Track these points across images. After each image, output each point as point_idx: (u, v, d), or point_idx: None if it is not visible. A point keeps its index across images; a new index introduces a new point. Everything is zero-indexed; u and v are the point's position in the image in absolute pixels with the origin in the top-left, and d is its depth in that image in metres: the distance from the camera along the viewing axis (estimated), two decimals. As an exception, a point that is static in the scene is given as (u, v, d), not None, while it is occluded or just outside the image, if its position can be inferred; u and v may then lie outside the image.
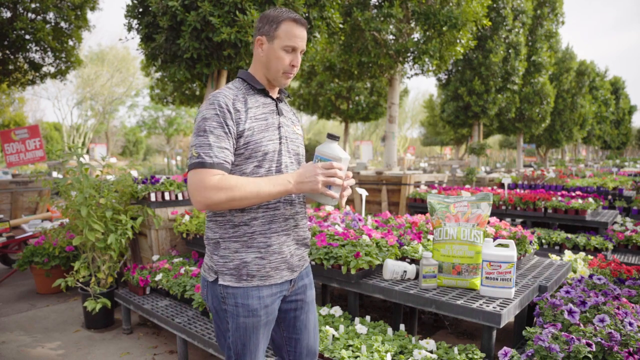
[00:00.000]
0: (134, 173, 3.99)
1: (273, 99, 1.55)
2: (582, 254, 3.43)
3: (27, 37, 7.14)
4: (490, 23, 8.18)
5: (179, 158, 29.35)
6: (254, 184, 1.35)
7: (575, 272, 3.12)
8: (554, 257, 3.25)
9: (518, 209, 5.17)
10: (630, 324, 1.85)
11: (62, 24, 7.58)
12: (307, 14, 4.93)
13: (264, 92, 1.52)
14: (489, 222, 3.16)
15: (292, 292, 1.59)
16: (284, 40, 1.44)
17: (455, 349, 2.04)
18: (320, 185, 1.35)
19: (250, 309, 1.44)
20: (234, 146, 1.41)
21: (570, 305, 2.01)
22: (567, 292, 2.21)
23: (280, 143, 1.50)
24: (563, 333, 1.80)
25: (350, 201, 7.29)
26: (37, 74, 8.02)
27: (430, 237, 2.96)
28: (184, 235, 3.67)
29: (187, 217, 3.67)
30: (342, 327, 2.29)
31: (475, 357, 1.97)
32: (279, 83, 1.52)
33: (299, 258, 1.58)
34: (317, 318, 1.72)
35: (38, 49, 7.53)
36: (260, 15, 1.51)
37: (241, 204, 1.36)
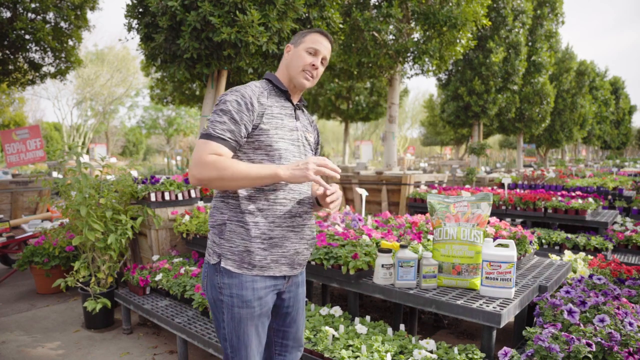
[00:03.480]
0: (134, 173, 3.99)
1: (293, 104, 1.67)
2: (582, 254, 3.43)
3: (27, 37, 7.14)
4: (490, 23, 8.17)
5: (179, 158, 29.33)
6: (245, 166, 1.43)
7: (575, 272, 3.12)
8: (554, 257, 3.25)
9: (518, 209, 5.17)
10: (630, 324, 1.85)
11: (62, 24, 7.58)
12: (307, 14, 4.92)
13: (286, 95, 1.65)
14: (489, 222, 3.16)
15: (287, 289, 1.67)
16: (308, 44, 1.62)
17: (455, 349, 2.04)
18: (311, 173, 1.40)
19: (245, 299, 1.51)
20: (246, 132, 1.50)
21: (570, 305, 2.01)
22: (567, 292, 2.21)
23: (294, 145, 1.61)
24: (563, 333, 1.80)
25: (350, 201, 7.29)
26: (37, 74, 8.02)
27: (430, 237, 2.96)
28: (184, 235, 3.67)
29: (187, 217, 3.67)
30: (342, 327, 2.29)
31: (475, 357, 1.97)
32: (298, 82, 1.62)
33: (304, 257, 1.66)
34: (304, 309, 1.83)
35: (38, 49, 7.53)
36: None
37: (231, 185, 1.45)
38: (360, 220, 3.57)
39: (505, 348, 1.88)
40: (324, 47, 1.63)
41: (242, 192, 1.52)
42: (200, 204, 3.92)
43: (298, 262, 1.63)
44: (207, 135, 1.46)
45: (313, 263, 2.64)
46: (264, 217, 1.52)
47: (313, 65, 1.60)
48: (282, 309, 1.69)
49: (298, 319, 1.75)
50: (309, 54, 1.61)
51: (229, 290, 1.51)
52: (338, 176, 1.49)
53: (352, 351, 2.10)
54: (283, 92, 1.64)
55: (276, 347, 1.76)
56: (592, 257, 3.39)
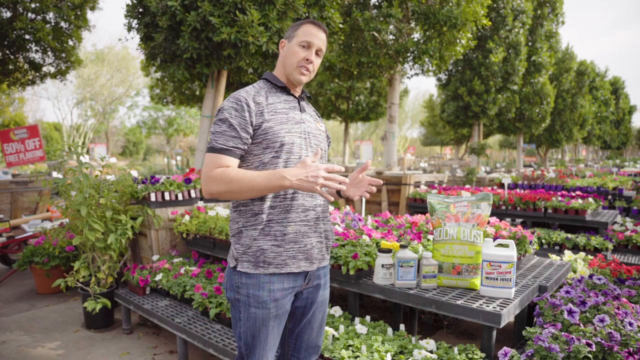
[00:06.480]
0: (134, 173, 3.99)
1: (295, 97, 1.65)
2: (582, 254, 3.43)
3: (27, 37, 7.14)
4: (490, 23, 8.18)
5: (179, 158, 29.33)
6: (249, 179, 1.42)
7: (575, 272, 3.12)
8: (554, 257, 3.25)
9: (518, 209, 5.17)
10: (630, 324, 1.85)
11: (62, 24, 7.58)
12: (307, 14, 4.93)
13: (286, 90, 1.63)
14: (489, 222, 3.16)
15: (305, 290, 1.63)
16: (300, 37, 1.58)
17: (455, 349, 2.04)
18: (319, 187, 1.37)
19: (260, 300, 1.52)
20: (250, 135, 1.50)
21: (570, 305, 2.01)
22: (567, 292, 2.21)
23: (302, 138, 1.58)
24: (563, 333, 1.80)
25: (350, 201, 7.29)
26: (37, 74, 8.03)
27: (430, 237, 2.96)
28: (184, 235, 3.67)
29: (187, 217, 3.67)
30: (342, 327, 2.29)
31: (475, 357, 1.97)
32: (294, 78, 1.60)
33: (319, 251, 1.62)
34: (326, 317, 1.78)
35: (38, 49, 7.54)
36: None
37: (240, 197, 1.47)
38: (360, 220, 3.57)
39: (505, 348, 1.88)
40: (318, 38, 1.59)
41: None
42: (200, 204, 3.92)
43: (315, 256, 1.59)
44: (211, 149, 1.49)
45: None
46: (277, 214, 1.52)
47: (307, 59, 1.57)
48: (298, 310, 1.66)
49: (314, 322, 1.70)
50: (303, 48, 1.57)
51: (246, 290, 1.53)
52: (344, 187, 1.42)
53: (352, 351, 2.10)
54: (282, 88, 1.62)
55: (289, 349, 1.74)
56: (592, 257, 3.38)
